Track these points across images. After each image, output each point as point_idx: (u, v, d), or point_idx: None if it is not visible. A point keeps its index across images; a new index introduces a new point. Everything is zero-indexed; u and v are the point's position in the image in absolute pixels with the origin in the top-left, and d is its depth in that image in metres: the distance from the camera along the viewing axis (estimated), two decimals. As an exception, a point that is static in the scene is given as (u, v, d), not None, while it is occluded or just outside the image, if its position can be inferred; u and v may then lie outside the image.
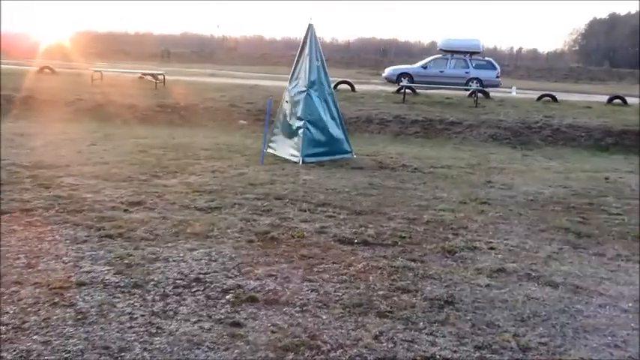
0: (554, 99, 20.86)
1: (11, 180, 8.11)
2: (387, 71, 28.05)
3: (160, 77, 20.79)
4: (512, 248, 6.30)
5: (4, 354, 3.58)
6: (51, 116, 15.86)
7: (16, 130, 12.90)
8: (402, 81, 24.57)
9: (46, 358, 3.58)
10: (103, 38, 57.88)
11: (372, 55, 59.31)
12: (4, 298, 4.34)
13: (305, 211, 7.38)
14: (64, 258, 5.27)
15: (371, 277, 5.22)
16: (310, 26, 11.42)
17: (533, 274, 5.52)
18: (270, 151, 11.57)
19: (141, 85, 20.72)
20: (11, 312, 4.12)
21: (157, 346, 3.80)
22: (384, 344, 4.01)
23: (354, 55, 57.67)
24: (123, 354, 3.68)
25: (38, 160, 9.53)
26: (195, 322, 4.16)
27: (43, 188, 7.78)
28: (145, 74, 22.66)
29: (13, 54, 33.52)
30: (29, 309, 4.20)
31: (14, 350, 3.62)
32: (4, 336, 3.79)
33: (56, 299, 4.37)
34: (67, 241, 5.73)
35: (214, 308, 4.42)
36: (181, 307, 4.39)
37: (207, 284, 4.86)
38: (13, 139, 11.71)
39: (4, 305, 4.22)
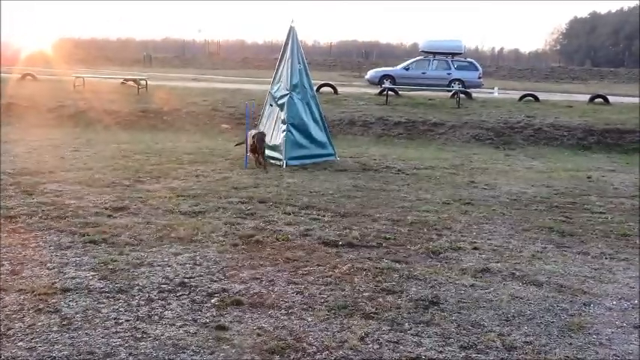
0: (536, 99, 21.02)
1: (-6, 187, 8.06)
2: (370, 73, 28.12)
3: (142, 82, 20.70)
4: (496, 248, 6.34)
5: (-11, 361, 3.57)
6: (33, 123, 15.78)
7: (-2, 137, 12.82)
8: (384, 83, 24.63)
9: (30, 364, 3.56)
10: (85, 44, 57.54)
11: (354, 57, 59.37)
12: (-13, 306, 4.32)
13: (289, 214, 7.39)
14: (49, 264, 5.25)
15: (356, 279, 5.23)
16: (292, 29, 11.44)
17: (518, 274, 5.55)
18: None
19: (123, 91, 20.64)
20: (-5, 319, 4.10)
21: (143, 351, 3.78)
22: (370, 345, 4.02)
23: (336, 57, 57.70)
24: (108, 359, 3.67)
25: (21, 167, 9.48)
26: (180, 327, 4.15)
27: (27, 195, 7.75)
28: (127, 79, 22.59)
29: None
30: (14, 315, 4.17)
31: (-1, 357, 3.61)
32: (-12, 343, 3.77)
33: (41, 305, 4.35)
34: (51, 248, 5.70)
35: (199, 312, 4.41)
36: (166, 312, 4.38)
37: (192, 288, 4.85)
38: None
39: (-13, 313, 4.19)
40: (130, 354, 3.74)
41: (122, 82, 22.36)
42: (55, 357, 3.65)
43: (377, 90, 22.03)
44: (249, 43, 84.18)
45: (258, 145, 10.58)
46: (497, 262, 5.85)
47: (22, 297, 4.50)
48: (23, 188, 8.08)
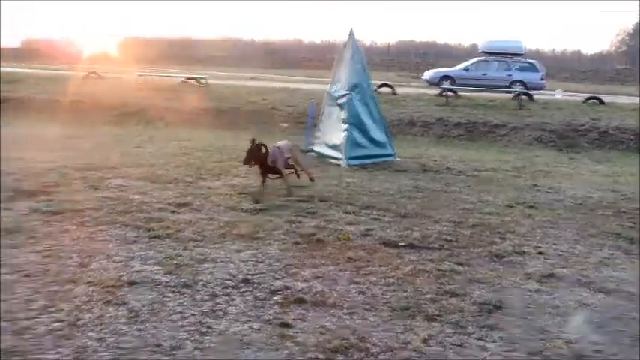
0: (600, 101, 20.52)
1: (63, 182, 8.25)
2: (429, 74, 27.95)
3: (203, 81, 20.99)
4: (561, 253, 6.20)
5: (62, 349, 3.64)
6: (97, 119, 16.15)
7: (65, 133, 13.15)
8: (443, 83, 24.40)
9: (101, 354, 3.63)
10: (147, 43, 58.62)
11: (412, 57, 59.03)
12: (59, 296, 4.41)
13: (350, 213, 7.37)
14: (115, 257, 5.34)
15: (418, 280, 5.18)
16: (351, 30, 11.50)
17: (584, 280, 5.41)
18: (312, 154, 11.59)
19: (183, 89, 20.93)
20: (66, 309, 4.18)
21: (208, 345, 3.82)
22: (434, 348, 3.98)
23: (394, 57, 57.50)
24: (174, 352, 3.71)
25: (87, 163, 9.69)
26: (244, 322, 4.17)
27: (93, 189, 7.92)
28: (187, 78, 22.93)
29: (60, 59, 34.28)
30: (83, 306, 4.25)
31: (70, 346, 3.68)
32: (60, 332, 3.85)
33: (109, 297, 4.43)
34: (118, 241, 5.81)
35: (263, 309, 4.43)
36: (230, 307, 4.42)
37: (255, 285, 4.87)
38: (63, 141, 11.95)
39: (59, 302, 4.29)
40: (196, 347, 3.78)
41: (183, 81, 22.71)
42: (123, 348, 3.71)
43: (436, 90, 21.87)
44: (307, 42, 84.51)
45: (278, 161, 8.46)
46: (563, 268, 5.72)
47: (90, 289, 4.59)
48: (89, 183, 8.26)
